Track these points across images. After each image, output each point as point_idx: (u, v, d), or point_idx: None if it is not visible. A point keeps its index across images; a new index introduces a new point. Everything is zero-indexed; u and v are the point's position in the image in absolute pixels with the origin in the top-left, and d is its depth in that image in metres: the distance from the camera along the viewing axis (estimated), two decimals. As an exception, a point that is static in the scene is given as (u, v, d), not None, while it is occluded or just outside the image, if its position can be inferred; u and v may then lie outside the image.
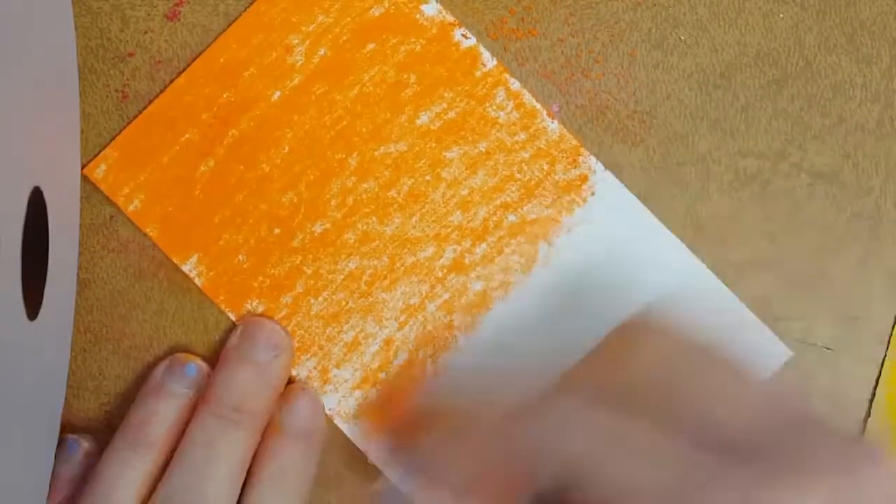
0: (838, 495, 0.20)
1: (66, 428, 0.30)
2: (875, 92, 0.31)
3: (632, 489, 0.21)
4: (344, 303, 0.30)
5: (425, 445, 0.26)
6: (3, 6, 0.22)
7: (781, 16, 0.31)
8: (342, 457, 0.30)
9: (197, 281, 0.30)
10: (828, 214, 0.31)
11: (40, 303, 0.26)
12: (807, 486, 0.20)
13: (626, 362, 0.24)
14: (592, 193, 0.30)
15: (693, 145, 0.31)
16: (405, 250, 0.30)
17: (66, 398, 0.30)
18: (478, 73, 0.30)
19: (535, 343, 0.30)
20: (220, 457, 0.27)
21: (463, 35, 0.30)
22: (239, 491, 0.27)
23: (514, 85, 0.30)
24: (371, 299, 0.30)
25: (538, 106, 0.30)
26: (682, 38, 0.31)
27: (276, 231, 0.30)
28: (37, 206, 0.25)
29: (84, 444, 0.29)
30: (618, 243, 0.30)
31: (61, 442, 0.29)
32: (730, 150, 0.31)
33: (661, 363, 0.23)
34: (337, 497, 0.30)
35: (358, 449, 0.30)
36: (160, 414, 0.28)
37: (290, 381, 0.30)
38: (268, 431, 0.29)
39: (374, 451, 0.30)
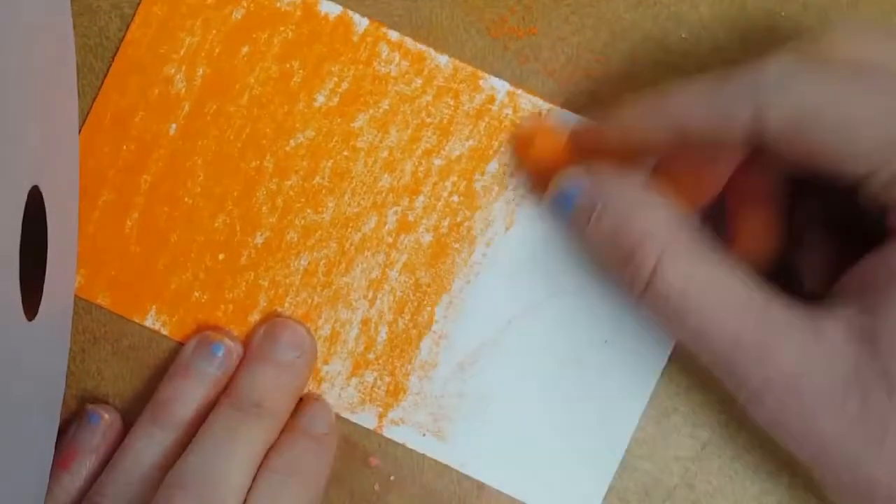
0: None
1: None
2: None
3: (873, 117, 0.21)
4: (310, 300, 0.30)
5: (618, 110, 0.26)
6: (3, 6, 0.22)
7: (783, 14, 0.30)
8: (339, 454, 0.30)
9: (162, 331, 0.30)
10: None
11: (39, 303, 0.26)
12: None
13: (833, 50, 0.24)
14: (514, 111, 0.30)
15: None
16: (349, 230, 0.30)
17: (65, 398, 0.30)
18: (354, 38, 0.30)
19: (514, 266, 0.30)
20: (240, 440, 0.27)
21: (327, 5, 0.30)
22: (252, 478, 0.27)
23: (393, 35, 0.30)
24: (334, 287, 0.30)
25: (423, 48, 0.30)
26: (684, 36, 0.30)
27: (221, 257, 0.30)
28: (35, 206, 0.25)
29: (105, 416, 0.29)
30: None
31: (82, 413, 0.29)
32: None
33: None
34: (336, 493, 0.30)
35: (356, 446, 0.30)
36: (187, 394, 0.29)
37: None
38: (282, 430, 0.29)
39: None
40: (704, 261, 0.24)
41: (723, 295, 0.23)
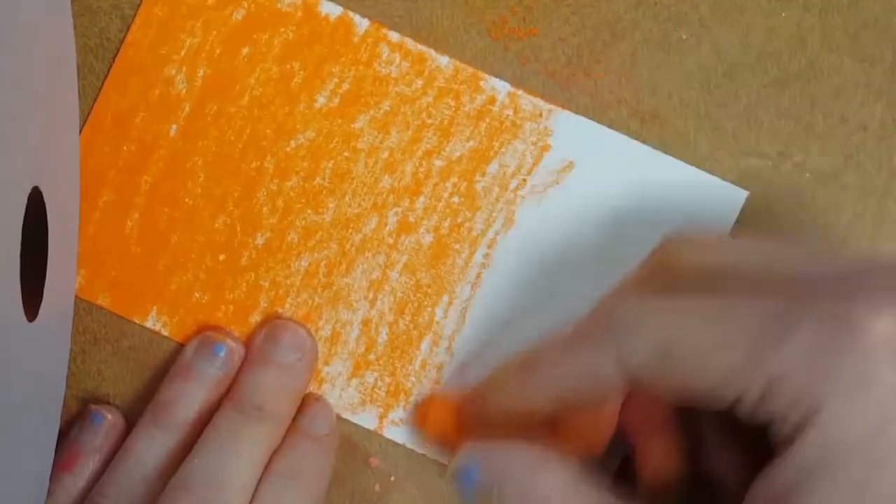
0: None
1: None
2: (878, 92, 0.30)
3: (721, 343, 0.21)
4: (310, 301, 0.30)
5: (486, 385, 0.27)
6: (3, 6, 0.22)
7: (784, 15, 0.30)
8: (339, 454, 0.30)
9: (163, 331, 0.30)
10: (830, 215, 0.30)
11: (39, 304, 0.26)
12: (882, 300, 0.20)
13: (673, 267, 0.24)
14: (515, 112, 0.30)
15: (695, 145, 0.30)
16: (350, 230, 0.30)
17: (66, 399, 0.30)
18: (355, 39, 0.30)
19: (515, 267, 0.30)
20: (243, 442, 0.27)
21: (328, 6, 0.30)
22: (257, 481, 0.27)
23: (394, 36, 0.30)
24: (335, 288, 0.30)
25: (424, 48, 0.30)
26: (684, 37, 0.30)
27: (222, 257, 0.30)
28: (36, 207, 0.25)
29: (108, 416, 0.29)
30: (564, 152, 0.30)
31: (85, 413, 0.29)
32: (732, 150, 0.30)
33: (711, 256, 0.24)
34: (337, 494, 0.30)
35: (356, 447, 0.30)
36: (188, 395, 0.29)
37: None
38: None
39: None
40: None
41: None
